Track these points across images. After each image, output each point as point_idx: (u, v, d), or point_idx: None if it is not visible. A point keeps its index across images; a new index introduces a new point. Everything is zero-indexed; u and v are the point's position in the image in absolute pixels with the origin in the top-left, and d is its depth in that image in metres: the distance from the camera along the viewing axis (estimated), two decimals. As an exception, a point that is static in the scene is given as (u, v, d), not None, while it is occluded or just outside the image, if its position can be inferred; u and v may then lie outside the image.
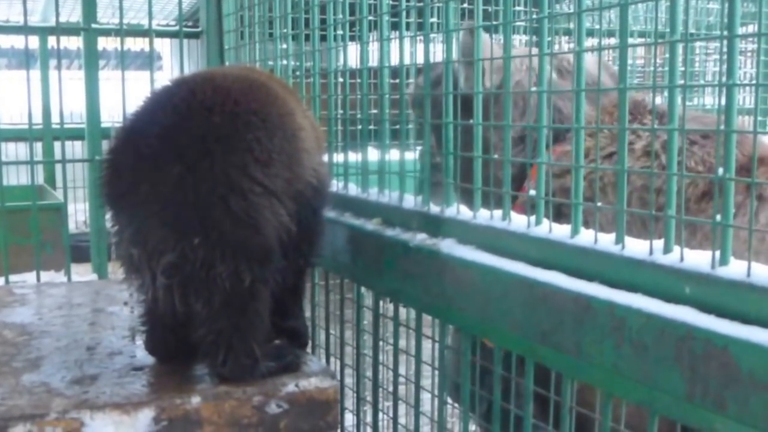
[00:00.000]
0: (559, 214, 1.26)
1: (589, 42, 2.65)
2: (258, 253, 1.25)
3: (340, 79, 1.91)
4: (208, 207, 1.21)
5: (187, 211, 1.20)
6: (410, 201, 1.58)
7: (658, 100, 1.57)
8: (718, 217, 0.96)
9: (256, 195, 1.23)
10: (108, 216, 1.32)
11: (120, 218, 1.29)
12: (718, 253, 0.96)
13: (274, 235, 1.26)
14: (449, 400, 1.67)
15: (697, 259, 0.99)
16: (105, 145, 1.44)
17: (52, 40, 5.23)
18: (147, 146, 1.23)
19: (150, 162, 1.22)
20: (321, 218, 1.47)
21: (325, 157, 1.54)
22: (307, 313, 2.04)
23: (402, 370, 1.71)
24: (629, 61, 1.22)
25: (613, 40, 2.69)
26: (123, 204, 1.27)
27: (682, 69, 1.09)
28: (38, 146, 5.07)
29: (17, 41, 6.96)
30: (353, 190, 1.80)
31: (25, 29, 2.40)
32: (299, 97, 1.55)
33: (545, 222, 1.24)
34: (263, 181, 1.24)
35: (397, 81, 1.66)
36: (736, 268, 0.95)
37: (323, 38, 1.93)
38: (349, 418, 2.03)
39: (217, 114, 1.25)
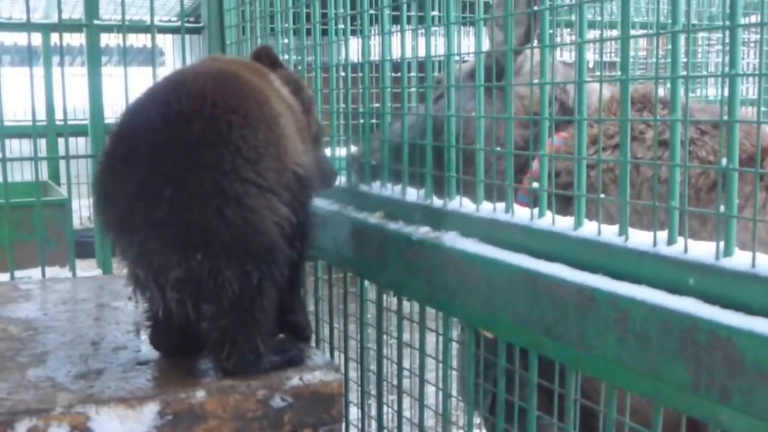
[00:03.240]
0: (566, 197, 1.25)
1: (591, 34, 2.63)
2: (263, 252, 1.24)
3: (342, 73, 1.91)
4: (206, 221, 1.20)
5: (185, 228, 1.20)
6: (413, 194, 1.57)
7: (661, 91, 1.57)
8: (722, 208, 0.96)
9: (251, 197, 1.22)
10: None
11: (121, 242, 1.29)
12: (722, 244, 0.96)
13: (276, 231, 1.26)
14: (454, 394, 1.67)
15: (701, 250, 0.99)
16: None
17: (54, 37, 5.23)
18: (134, 169, 1.22)
19: (140, 185, 1.21)
20: (310, 209, 1.43)
21: (309, 144, 1.45)
22: (311, 307, 2.05)
23: (406, 364, 1.71)
24: (631, 53, 1.21)
25: (614, 32, 2.68)
26: (121, 230, 1.27)
27: (685, 60, 1.09)
28: (42, 143, 5.08)
29: (20, 38, 6.96)
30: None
31: (27, 26, 2.41)
32: (271, 79, 1.47)
33: (548, 214, 1.24)
34: (256, 180, 1.23)
35: (399, 74, 1.66)
36: (740, 259, 0.94)
37: (324, 32, 1.92)
38: (354, 412, 2.04)
39: (197, 122, 1.22)
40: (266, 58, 1.55)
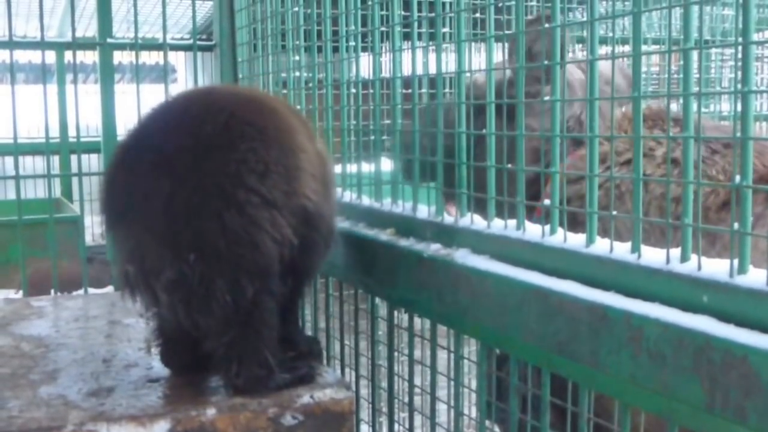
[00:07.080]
0: (575, 222, 1.25)
1: (603, 50, 2.63)
2: (257, 268, 1.22)
3: (353, 90, 1.92)
4: (201, 222, 1.18)
5: (179, 226, 1.18)
6: (424, 211, 1.57)
7: (674, 107, 1.56)
8: (736, 226, 0.95)
9: (254, 206, 1.20)
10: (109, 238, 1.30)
11: (118, 237, 1.27)
12: (736, 261, 0.95)
13: (274, 249, 1.23)
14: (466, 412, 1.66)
15: (715, 268, 0.98)
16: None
17: (68, 55, 5.30)
18: (140, 163, 1.22)
19: (143, 178, 1.21)
20: (316, 242, 1.37)
21: (330, 192, 1.44)
22: (322, 324, 2.05)
23: (417, 381, 1.70)
24: (643, 69, 1.21)
25: (626, 48, 2.68)
26: (120, 223, 1.26)
27: (697, 76, 1.08)
28: (55, 160, 5.13)
29: (34, 56, 7.05)
30: (366, 200, 1.80)
31: (41, 44, 2.43)
32: (311, 126, 1.49)
33: (560, 231, 1.23)
34: (260, 191, 1.21)
35: (410, 91, 1.66)
36: (754, 277, 0.94)
37: (336, 49, 1.93)
38: (365, 430, 2.03)
39: (209, 125, 1.23)
40: None
